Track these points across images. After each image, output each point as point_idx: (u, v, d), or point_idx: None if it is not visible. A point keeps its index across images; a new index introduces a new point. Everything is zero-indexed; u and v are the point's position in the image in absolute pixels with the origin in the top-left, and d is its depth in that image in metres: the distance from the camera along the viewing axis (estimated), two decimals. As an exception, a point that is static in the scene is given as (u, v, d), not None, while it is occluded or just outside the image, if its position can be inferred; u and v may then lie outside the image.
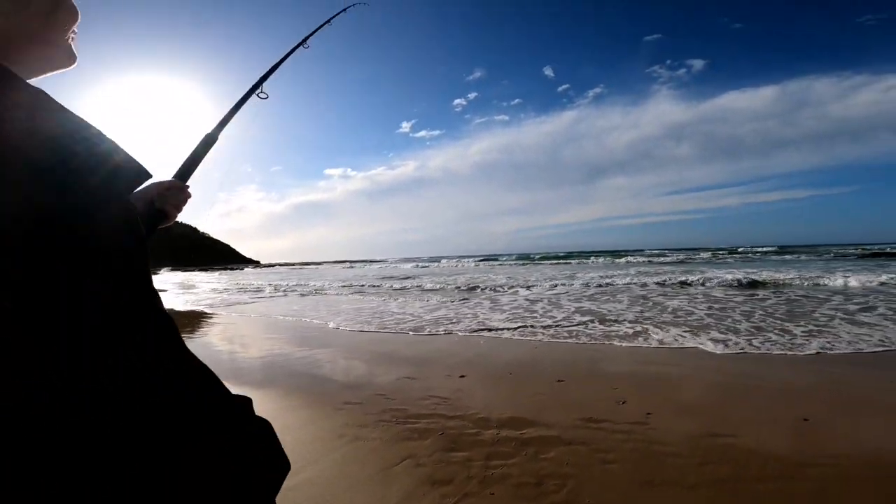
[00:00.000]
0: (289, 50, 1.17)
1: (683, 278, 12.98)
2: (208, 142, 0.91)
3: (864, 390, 3.48)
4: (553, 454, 2.50)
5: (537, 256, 48.42)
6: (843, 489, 2.03)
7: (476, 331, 6.65)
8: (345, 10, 1.48)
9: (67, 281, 0.38)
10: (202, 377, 0.50)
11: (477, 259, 53.19)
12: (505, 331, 6.56)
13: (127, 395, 0.40)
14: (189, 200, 0.84)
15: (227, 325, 8.33)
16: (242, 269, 70.88)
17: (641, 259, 33.51)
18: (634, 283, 12.53)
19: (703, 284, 11.90)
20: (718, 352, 4.85)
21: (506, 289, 12.89)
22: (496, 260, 47.02)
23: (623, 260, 33.65)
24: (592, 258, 38.76)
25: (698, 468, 2.25)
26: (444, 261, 52.98)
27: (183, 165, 0.88)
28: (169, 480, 0.43)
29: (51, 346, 0.38)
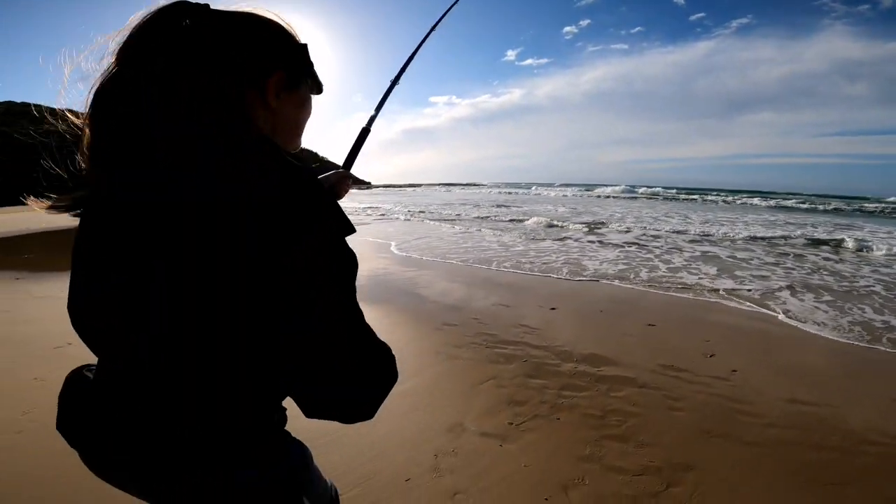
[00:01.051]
0: (418, 44, 1.42)
1: (841, 235, 10.42)
2: (364, 135, 1.21)
3: None
4: (624, 393, 2.74)
5: (648, 190, 40.14)
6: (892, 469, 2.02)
7: (576, 267, 6.77)
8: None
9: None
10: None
11: (583, 188, 49.00)
12: (608, 271, 6.59)
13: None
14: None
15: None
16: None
17: (788, 204, 27.82)
18: (777, 235, 10.52)
19: (867, 247, 8.89)
20: (850, 340, 4.44)
21: (619, 224, 12.38)
22: (603, 189, 41.75)
23: (763, 203, 27.81)
24: (725, 197, 32.80)
25: (763, 429, 2.34)
26: (545, 189, 49.67)
27: (347, 158, 1.18)
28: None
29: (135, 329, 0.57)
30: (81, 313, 0.66)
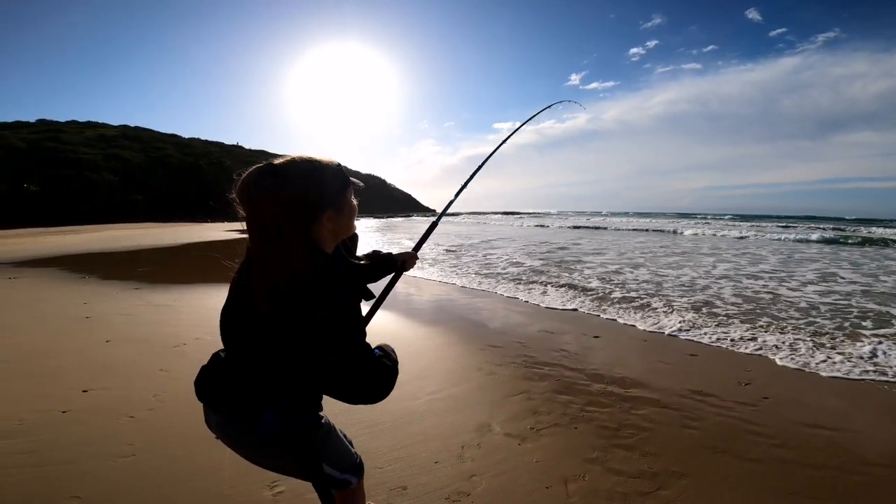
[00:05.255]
0: (505, 138, 1.88)
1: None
2: (433, 225, 1.75)
3: None
4: (644, 412, 2.99)
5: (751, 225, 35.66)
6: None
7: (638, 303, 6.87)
8: (560, 102, 2.04)
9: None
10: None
11: (660, 216, 45.18)
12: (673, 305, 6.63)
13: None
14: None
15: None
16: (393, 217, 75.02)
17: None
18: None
19: None
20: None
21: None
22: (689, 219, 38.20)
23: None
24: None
25: (770, 448, 2.50)
26: (615, 217, 46.42)
27: (417, 244, 1.69)
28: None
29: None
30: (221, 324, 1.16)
